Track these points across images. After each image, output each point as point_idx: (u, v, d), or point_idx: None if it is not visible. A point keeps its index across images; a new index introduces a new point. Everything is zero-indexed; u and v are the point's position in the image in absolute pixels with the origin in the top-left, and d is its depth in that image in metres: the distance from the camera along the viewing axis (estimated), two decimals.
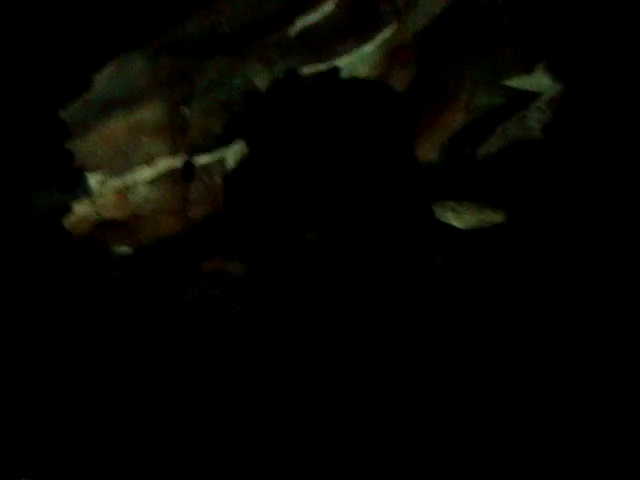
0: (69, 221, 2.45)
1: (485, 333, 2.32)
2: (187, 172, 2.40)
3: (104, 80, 2.43)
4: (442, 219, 2.39)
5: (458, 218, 2.38)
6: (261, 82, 2.37)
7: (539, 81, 2.38)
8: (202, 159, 2.41)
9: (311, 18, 2.37)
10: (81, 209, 2.45)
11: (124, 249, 2.46)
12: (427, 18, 2.33)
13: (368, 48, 2.36)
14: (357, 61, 2.37)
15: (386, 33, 2.36)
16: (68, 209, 2.46)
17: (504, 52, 2.38)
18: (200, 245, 2.45)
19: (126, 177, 2.43)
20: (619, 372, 1.95)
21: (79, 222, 2.45)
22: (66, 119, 2.45)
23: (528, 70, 2.37)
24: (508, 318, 2.33)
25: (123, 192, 2.43)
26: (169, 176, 2.41)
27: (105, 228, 2.45)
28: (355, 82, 2.37)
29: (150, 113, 2.41)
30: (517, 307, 2.35)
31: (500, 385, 2.13)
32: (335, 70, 2.37)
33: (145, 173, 2.43)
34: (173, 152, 2.42)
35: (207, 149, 2.40)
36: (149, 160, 2.42)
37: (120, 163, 2.44)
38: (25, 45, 2.48)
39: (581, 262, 2.32)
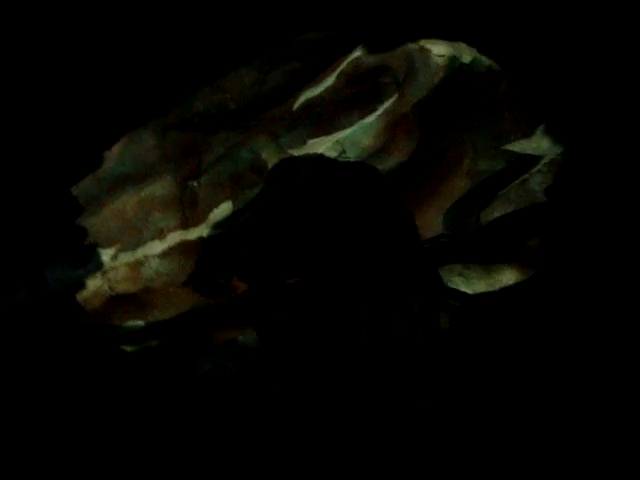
0: (82, 296, 2.49)
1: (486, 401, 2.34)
2: (197, 245, 2.45)
3: (114, 157, 2.51)
4: (450, 284, 2.43)
5: (466, 282, 2.43)
6: (268, 155, 2.44)
7: (539, 144, 2.45)
8: (212, 232, 2.45)
9: (314, 92, 2.45)
10: (93, 284, 2.49)
11: (137, 323, 2.50)
12: (426, 88, 2.41)
13: (370, 119, 2.43)
14: (360, 132, 2.44)
15: (387, 104, 2.43)
16: (81, 284, 2.50)
17: (503, 117, 2.45)
18: (212, 316, 2.49)
19: (138, 251, 2.49)
20: None
21: (92, 297, 2.50)
22: (78, 195, 2.52)
23: (528, 134, 2.45)
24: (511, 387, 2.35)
25: (135, 266, 2.48)
26: (180, 250, 2.47)
27: (118, 302, 2.49)
28: (359, 152, 2.44)
29: (160, 188, 2.48)
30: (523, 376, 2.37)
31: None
32: (339, 141, 2.43)
33: (156, 247, 2.48)
34: (184, 226, 2.47)
35: (217, 222, 2.45)
36: (160, 234, 2.48)
37: (132, 237, 2.49)
38: (37, 124, 2.56)
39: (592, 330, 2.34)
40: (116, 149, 2.52)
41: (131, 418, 2.50)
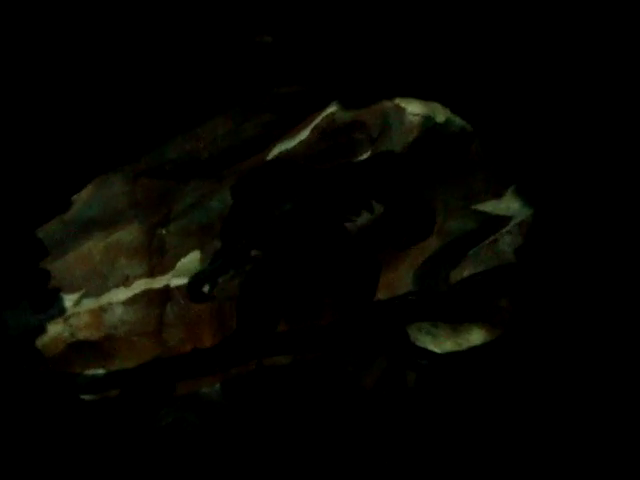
0: (42, 341, 2.46)
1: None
2: (163, 294, 2.43)
3: (82, 201, 2.50)
4: (418, 342, 2.44)
5: (434, 341, 2.44)
6: (239, 206, 2.45)
7: (509, 205, 2.50)
8: (178, 281, 2.44)
9: (287, 145, 2.48)
10: (55, 329, 2.46)
11: (98, 371, 2.47)
12: (400, 146, 2.46)
13: (343, 175, 2.45)
14: (333, 188, 2.46)
15: (360, 160, 2.46)
16: (42, 329, 2.46)
17: (475, 178, 2.51)
18: (175, 367, 2.46)
19: (102, 298, 2.47)
20: None
21: (52, 342, 2.46)
22: (43, 238, 2.50)
23: (498, 195, 2.50)
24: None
25: (98, 313, 2.46)
26: (145, 298, 2.46)
27: (79, 349, 2.46)
28: (330, 209, 2.46)
29: (128, 234, 2.47)
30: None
31: None
32: (311, 196, 2.45)
33: (121, 294, 2.46)
34: (150, 274, 2.46)
35: (184, 271, 2.44)
36: (125, 281, 2.46)
37: (96, 283, 2.48)
38: (4, 165, 2.54)
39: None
40: (85, 193, 2.52)
41: (89, 470, 2.45)
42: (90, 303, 2.48)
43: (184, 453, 2.44)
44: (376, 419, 2.47)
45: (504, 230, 2.49)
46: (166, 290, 2.47)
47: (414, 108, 2.45)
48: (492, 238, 2.49)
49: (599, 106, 2.56)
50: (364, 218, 2.48)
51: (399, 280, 2.48)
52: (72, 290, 2.49)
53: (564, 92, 2.56)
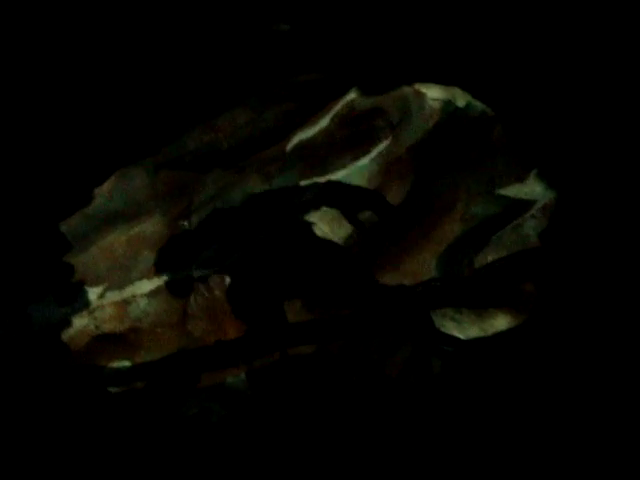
0: (67, 335, 2.48)
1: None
2: (186, 285, 2.44)
3: (104, 194, 2.51)
4: (442, 329, 2.43)
5: (459, 327, 2.43)
6: (259, 195, 2.44)
7: (532, 189, 2.48)
8: (201, 272, 2.45)
9: (307, 133, 2.48)
10: (79, 322, 2.48)
11: (123, 363, 2.48)
12: (421, 132, 2.45)
13: (364, 161, 2.46)
14: (353, 174, 2.47)
15: (381, 147, 2.46)
16: (67, 322, 2.47)
17: (497, 162, 2.49)
18: (199, 358, 2.47)
19: (125, 290, 2.48)
20: None
21: (77, 336, 2.48)
22: (66, 232, 2.51)
23: (521, 179, 2.47)
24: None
25: (122, 305, 2.48)
26: (168, 289, 2.45)
27: (104, 342, 2.48)
28: (351, 195, 2.45)
29: (150, 227, 2.48)
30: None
31: None
32: (332, 183, 2.45)
33: (144, 286, 2.48)
34: (172, 265, 2.46)
35: (206, 262, 2.45)
36: (148, 273, 2.47)
37: (120, 276, 2.49)
38: (25, 159, 2.56)
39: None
40: (106, 186, 2.53)
41: (115, 462, 2.47)
42: (114, 296, 2.50)
43: (210, 443, 2.45)
44: (401, 407, 2.46)
45: (528, 214, 2.47)
46: (189, 281, 2.48)
47: (434, 93, 2.44)
48: (516, 222, 2.47)
49: (622, 86, 2.53)
50: (384, 206, 2.46)
51: (422, 266, 2.47)
52: (96, 283, 2.50)
53: (586, 73, 2.53)
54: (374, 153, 2.47)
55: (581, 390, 2.51)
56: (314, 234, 2.46)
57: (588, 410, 2.47)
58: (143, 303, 2.49)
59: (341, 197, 2.47)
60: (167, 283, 2.48)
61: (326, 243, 2.45)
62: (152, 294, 2.49)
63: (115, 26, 2.43)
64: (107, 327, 2.51)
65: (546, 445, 2.44)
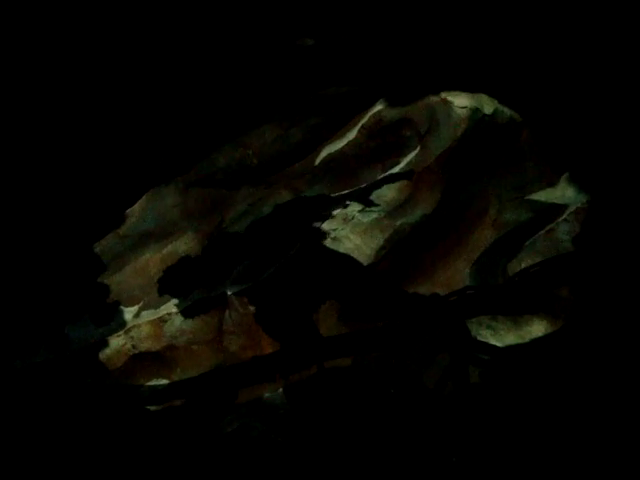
0: (104, 355, 2.51)
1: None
2: (221, 302, 2.47)
3: (137, 214, 2.56)
4: (479, 337, 2.42)
5: (495, 335, 2.42)
6: (290, 210, 2.47)
7: (564, 193, 2.47)
8: (235, 288, 2.47)
9: (335, 146, 2.51)
10: (116, 342, 2.52)
11: (161, 382, 2.51)
12: (449, 140, 2.47)
13: (393, 172, 2.47)
14: (383, 185, 2.47)
15: (410, 157, 2.47)
16: (104, 342, 2.51)
17: (527, 167, 2.49)
18: (236, 374, 2.49)
19: (161, 309, 2.52)
20: None
21: (114, 355, 2.52)
22: (101, 253, 2.56)
23: (552, 183, 2.47)
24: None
25: (158, 324, 2.51)
26: (203, 306, 2.48)
27: (141, 361, 2.51)
28: (383, 205, 2.46)
29: (182, 245, 2.52)
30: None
31: None
32: (362, 195, 2.46)
33: (179, 304, 2.51)
34: (206, 283, 2.49)
35: (240, 278, 2.47)
36: (183, 291, 2.50)
37: (154, 295, 2.53)
38: (59, 183, 2.62)
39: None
40: (138, 207, 2.58)
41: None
42: (149, 315, 2.54)
43: (251, 459, 2.46)
44: (440, 416, 2.46)
45: (560, 219, 2.47)
46: (223, 298, 2.51)
47: (461, 101, 2.46)
48: (548, 227, 2.47)
49: None
50: (417, 215, 2.48)
51: (456, 275, 2.47)
52: (131, 303, 2.54)
53: (614, 77, 2.52)
54: (403, 163, 2.49)
55: (620, 394, 2.49)
56: (346, 247, 2.47)
57: (630, 416, 2.44)
58: (178, 321, 2.53)
59: (372, 209, 2.49)
60: (202, 300, 2.51)
61: (358, 255, 2.47)
62: (187, 312, 2.52)
63: (146, 49, 2.48)
64: (144, 346, 2.54)
65: (591, 455, 2.41)
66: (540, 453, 2.43)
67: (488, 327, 2.45)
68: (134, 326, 2.54)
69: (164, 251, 2.54)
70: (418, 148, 2.48)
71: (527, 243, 2.48)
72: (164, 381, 2.55)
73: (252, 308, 2.49)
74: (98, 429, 2.54)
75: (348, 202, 2.49)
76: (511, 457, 2.45)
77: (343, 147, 2.51)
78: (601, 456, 2.39)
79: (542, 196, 2.48)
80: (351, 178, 2.49)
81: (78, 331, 2.55)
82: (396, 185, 2.49)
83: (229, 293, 2.51)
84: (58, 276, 2.62)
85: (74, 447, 2.52)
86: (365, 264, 2.46)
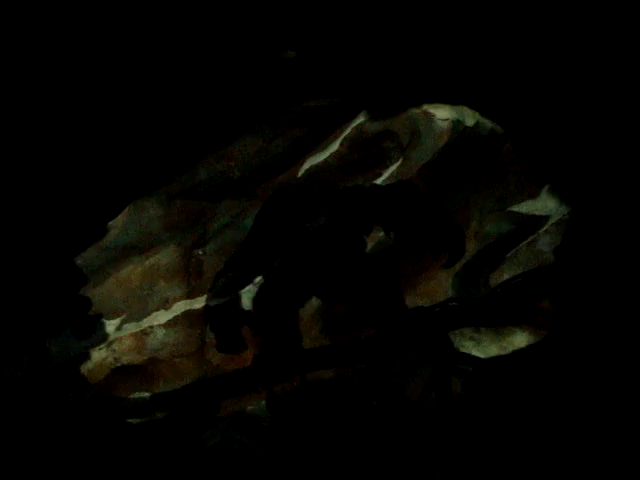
0: (86, 368, 2.51)
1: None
2: (203, 315, 2.47)
3: (119, 226, 2.56)
4: (461, 348, 2.44)
5: (478, 346, 2.45)
6: (273, 222, 2.48)
7: (545, 205, 2.50)
8: (218, 301, 2.48)
9: (318, 158, 2.53)
10: (98, 355, 2.52)
11: (143, 395, 2.51)
12: (431, 152, 2.49)
13: (376, 184, 2.48)
14: (366, 197, 2.49)
15: (392, 169, 2.49)
16: (86, 356, 2.51)
17: (508, 179, 2.52)
18: (219, 386, 2.49)
19: (143, 321, 2.52)
20: None
21: (96, 368, 2.53)
22: (82, 266, 2.55)
23: (533, 195, 2.50)
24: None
25: (140, 337, 2.52)
26: (185, 319, 2.51)
27: (123, 374, 2.52)
28: (365, 218, 2.48)
29: (165, 257, 2.53)
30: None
31: None
32: (344, 207, 2.48)
33: (162, 317, 2.52)
34: (189, 295, 2.51)
35: (223, 290, 2.48)
36: (165, 304, 2.52)
37: (137, 308, 2.53)
38: (40, 193, 2.60)
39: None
40: (120, 219, 2.58)
41: None
42: (132, 327, 2.54)
43: (234, 472, 2.47)
44: (424, 428, 2.47)
45: (542, 230, 2.50)
46: (206, 310, 2.51)
47: (443, 113, 2.49)
48: (530, 239, 2.50)
49: (631, 102, 2.55)
50: (398, 228, 2.49)
51: (439, 287, 2.50)
52: (113, 315, 2.54)
53: (594, 88, 2.55)
54: (385, 176, 2.51)
55: (604, 403, 2.51)
56: (329, 258, 2.48)
57: (613, 424, 2.47)
58: (161, 334, 2.53)
59: (354, 221, 2.50)
60: (184, 313, 2.52)
61: (341, 267, 2.48)
62: (169, 324, 2.53)
63: (128, 59, 2.48)
64: (126, 359, 2.54)
65: (572, 463, 2.44)
66: (524, 463, 2.45)
67: (471, 338, 2.48)
68: (116, 339, 2.54)
69: (146, 263, 2.54)
70: (400, 160, 2.50)
71: (509, 255, 2.51)
72: (146, 394, 2.55)
73: (235, 320, 2.50)
74: (81, 443, 2.54)
75: (331, 214, 2.50)
76: (495, 467, 2.47)
77: (326, 159, 2.53)
78: (585, 465, 2.41)
79: (524, 208, 2.51)
80: (334, 190, 2.50)
81: (59, 345, 2.54)
82: (378, 197, 2.50)
83: (211, 305, 2.51)
84: (39, 289, 2.61)
85: (56, 461, 2.51)
86: (348, 276, 2.48)
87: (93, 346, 2.54)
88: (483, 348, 2.47)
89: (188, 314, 2.52)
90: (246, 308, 2.49)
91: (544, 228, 2.50)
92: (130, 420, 2.53)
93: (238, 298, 2.50)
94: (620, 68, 2.55)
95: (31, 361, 2.55)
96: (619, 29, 2.40)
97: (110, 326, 2.55)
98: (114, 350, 2.55)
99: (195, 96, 2.55)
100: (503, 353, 2.46)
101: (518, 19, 2.54)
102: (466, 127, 2.48)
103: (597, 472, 2.35)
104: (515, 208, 2.51)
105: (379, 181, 2.50)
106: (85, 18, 2.35)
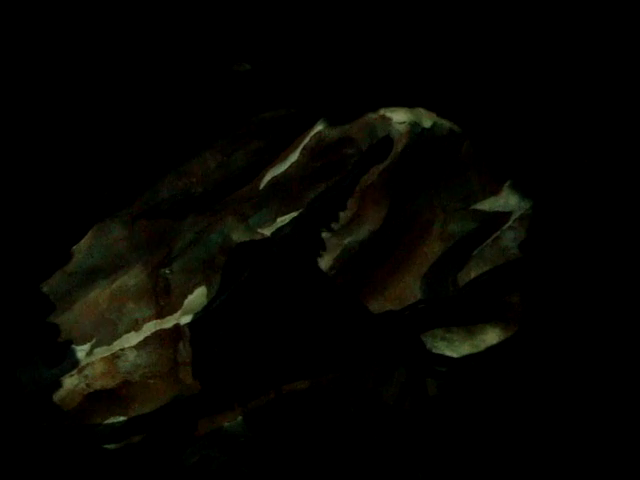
0: (58, 396, 2.48)
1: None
2: (174, 334, 2.46)
3: (83, 250, 2.55)
4: (434, 350, 2.45)
5: (450, 346, 2.46)
6: (237, 236, 2.49)
7: (507, 201, 2.54)
8: (188, 319, 2.47)
9: (279, 169, 2.55)
10: (70, 382, 2.50)
11: (118, 419, 2.49)
12: (390, 156, 2.49)
13: (338, 191, 2.49)
14: (329, 205, 2.50)
15: (353, 175, 2.49)
16: (57, 384, 2.48)
17: (469, 178, 2.55)
18: (194, 405, 2.48)
19: (114, 345, 2.51)
20: None
21: (69, 395, 2.50)
22: (48, 293, 2.53)
23: (495, 192, 2.53)
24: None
25: (112, 360, 2.50)
26: (156, 339, 2.50)
27: (96, 399, 2.50)
28: (329, 226, 2.49)
29: (132, 278, 2.52)
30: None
31: None
32: (308, 216, 2.49)
33: (132, 339, 2.50)
34: (158, 315, 2.50)
35: (192, 308, 2.47)
36: (135, 325, 2.51)
37: (107, 331, 2.52)
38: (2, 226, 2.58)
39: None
40: (84, 242, 2.57)
41: None
42: (102, 351, 2.52)
43: None
44: (401, 433, 2.48)
45: (505, 226, 2.53)
46: (176, 329, 2.51)
47: (400, 116, 2.51)
48: (494, 236, 2.53)
49: (588, 96, 2.60)
50: (364, 232, 2.51)
51: (407, 290, 2.51)
52: (83, 341, 2.52)
53: (551, 84, 2.60)
54: (347, 182, 2.52)
55: (578, 396, 2.54)
56: (296, 269, 2.49)
57: (585, 418, 2.49)
58: (132, 356, 2.51)
59: (319, 229, 2.51)
60: (154, 333, 2.50)
61: (309, 277, 2.48)
62: (141, 346, 2.51)
63: (81, 83, 2.47)
64: (98, 384, 2.52)
65: (547, 460, 2.45)
66: (502, 463, 2.47)
67: (442, 339, 2.49)
68: (87, 364, 2.52)
69: (113, 286, 2.53)
70: (361, 166, 2.52)
71: (475, 252, 2.53)
72: (122, 418, 2.53)
73: (206, 338, 2.49)
74: (56, 473, 2.51)
75: (295, 224, 2.51)
76: (474, 468, 2.48)
77: (287, 169, 2.54)
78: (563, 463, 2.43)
79: (486, 205, 2.53)
80: (296, 200, 2.52)
81: (29, 373, 2.52)
82: (341, 204, 2.52)
83: (182, 324, 2.50)
84: (5, 318, 2.58)
85: None
86: (316, 285, 2.48)
87: (64, 373, 2.51)
88: (455, 347, 2.48)
89: (159, 334, 2.51)
90: (216, 324, 2.48)
91: (508, 224, 2.53)
92: (107, 446, 2.51)
93: (208, 315, 2.49)
94: (578, 63, 2.60)
95: (1, 391, 2.52)
96: (577, 21, 2.45)
97: (80, 352, 2.52)
98: (86, 376, 2.52)
99: (151, 114, 2.55)
100: (476, 351, 2.48)
101: (472, 20, 2.58)
102: (424, 129, 2.51)
103: (575, 470, 2.37)
104: (478, 206, 2.54)
105: (341, 188, 2.52)
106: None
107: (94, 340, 2.53)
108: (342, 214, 2.52)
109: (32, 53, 2.49)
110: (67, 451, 2.52)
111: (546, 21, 2.56)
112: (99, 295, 2.54)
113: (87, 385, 2.53)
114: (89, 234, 2.58)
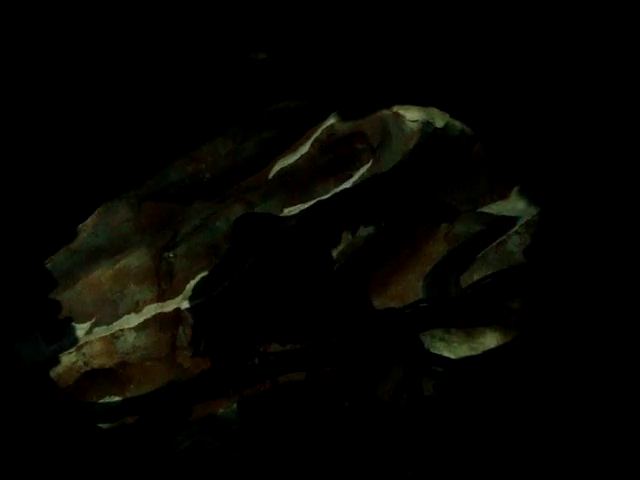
0: (56, 372, 2.51)
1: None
2: (174, 318, 2.47)
3: (89, 229, 2.57)
4: (432, 349, 2.47)
5: (448, 347, 2.47)
6: (243, 224, 2.49)
7: (514, 206, 2.53)
8: (189, 304, 2.48)
9: (289, 160, 2.55)
10: (68, 359, 2.53)
11: (113, 399, 2.52)
12: (401, 154, 2.51)
13: (346, 186, 2.50)
14: (336, 199, 2.50)
15: (362, 170, 2.51)
16: (55, 360, 2.50)
17: (478, 180, 2.55)
18: (190, 390, 2.49)
19: (113, 325, 2.53)
20: None
21: (66, 372, 2.53)
22: (52, 270, 2.55)
23: (503, 196, 2.54)
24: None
25: (111, 340, 2.52)
26: (156, 322, 2.51)
27: (93, 377, 2.52)
28: (335, 220, 2.50)
29: (135, 260, 2.53)
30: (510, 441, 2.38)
31: None
32: (315, 209, 2.49)
33: (132, 320, 2.52)
34: (160, 298, 2.52)
35: (193, 293, 2.48)
36: (136, 307, 2.52)
37: (107, 311, 2.54)
38: (9, 196, 2.60)
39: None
40: (90, 222, 2.59)
41: None
42: (102, 331, 2.54)
43: (205, 476, 2.47)
44: (394, 430, 2.49)
45: (511, 231, 2.53)
46: (177, 313, 2.53)
47: (413, 115, 2.51)
48: (500, 239, 2.54)
49: (600, 102, 2.59)
50: (370, 228, 2.51)
51: (409, 288, 2.52)
52: (83, 319, 2.54)
53: (564, 90, 2.59)
54: (356, 177, 2.53)
55: (575, 401, 2.54)
56: (300, 261, 2.50)
57: (582, 423, 2.50)
58: (131, 337, 2.53)
59: (325, 222, 2.52)
60: (155, 316, 2.52)
61: (312, 269, 2.49)
62: (140, 328, 2.53)
63: (91, 65, 2.48)
64: (96, 363, 2.55)
65: (543, 462, 2.46)
66: (495, 463, 2.48)
67: (441, 339, 2.50)
68: (86, 343, 2.54)
69: (117, 266, 2.55)
70: (371, 162, 2.53)
71: (479, 255, 2.54)
72: (117, 398, 2.55)
73: (206, 323, 2.51)
74: (50, 447, 2.53)
75: (301, 216, 2.51)
76: (467, 467, 2.49)
77: (296, 161, 2.55)
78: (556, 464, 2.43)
79: (493, 209, 2.54)
80: (304, 192, 2.52)
81: (29, 349, 2.54)
82: (349, 199, 2.52)
83: (182, 308, 2.52)
84: (8, 293, 2.60)
85: (26, 466, 2.50)
86: (319, 277, 2.49)
87: (63, 350, 2.54)
88: (454, 349, 2.50)
89: (159, 317, 2.53)
90: (217, 311, 2.50)
91: (514, 229, 2.53)
92: (100, 424, 2.53)
93: (209, 300, 2.50)
94: (587, 70, 2.59)
95: (0, 365, 2.54)
96: (583, 29, 2.44)
97: (80, 330, 2.54)
98: (84, 354, 2.55)
99: (165, 98, 2.56)
100: (474, 354, 2.49)
101: (486, 22, 2.57)
102: (436, 128, 2.51)
103: (568, 470, 2.38)
104: (485, 209, 2.54)
105: (350, 182, 2.53)
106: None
107: (94, 319, 2.55)
108: (349, 209, 2.52)
109: (39, 36, 2.50)
110: (61, 427, 2.54)
111: (562, 29, 2.55)
112: (102, 275, 2.56)
113: (85, 363, 2.55)
114: (95, 213, 2.59)
